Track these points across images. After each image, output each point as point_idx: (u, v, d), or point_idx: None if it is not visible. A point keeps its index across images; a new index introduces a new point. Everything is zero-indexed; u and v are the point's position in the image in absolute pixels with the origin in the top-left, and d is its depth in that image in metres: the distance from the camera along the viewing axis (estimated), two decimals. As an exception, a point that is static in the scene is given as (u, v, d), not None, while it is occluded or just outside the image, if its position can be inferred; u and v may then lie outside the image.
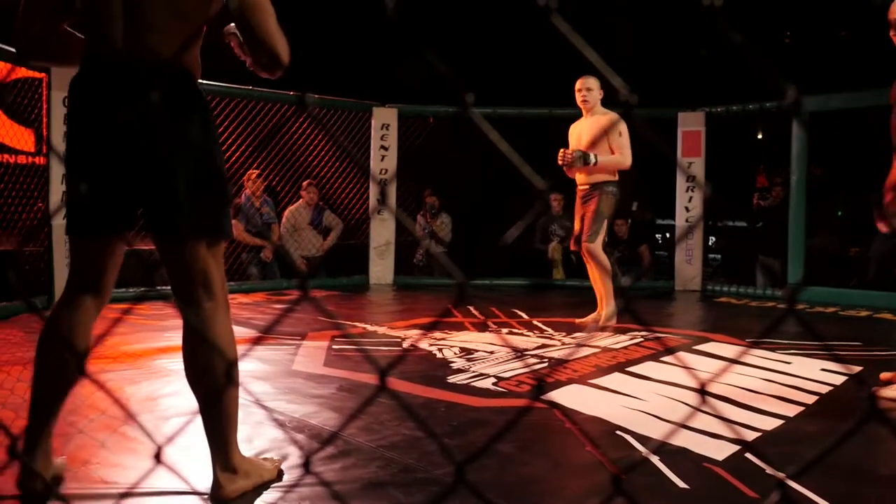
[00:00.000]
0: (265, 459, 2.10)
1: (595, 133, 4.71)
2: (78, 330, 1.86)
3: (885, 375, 3.08)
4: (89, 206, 1.80)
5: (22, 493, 1.82)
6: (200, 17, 1.78)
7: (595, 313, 4.89)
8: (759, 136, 11.78)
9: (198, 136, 1.78)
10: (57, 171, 5.05)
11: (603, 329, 4.53)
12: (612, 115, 4.77)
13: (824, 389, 3.15)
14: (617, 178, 4.74)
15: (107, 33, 1.74)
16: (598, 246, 4.65)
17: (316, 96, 6.49)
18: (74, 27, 1.88)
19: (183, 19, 1.76)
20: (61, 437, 2.33)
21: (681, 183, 6.78)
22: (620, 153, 4.67)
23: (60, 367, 1.85)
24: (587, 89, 4.69)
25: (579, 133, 4.82)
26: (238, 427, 1.94)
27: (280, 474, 2.04)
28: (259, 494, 1.92)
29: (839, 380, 3.29)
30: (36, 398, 1.84)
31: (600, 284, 4.78)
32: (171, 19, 1.75)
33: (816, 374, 3.41)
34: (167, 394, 2.92)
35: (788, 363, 3.62)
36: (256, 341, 4.05)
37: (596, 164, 4.60)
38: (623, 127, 4.66)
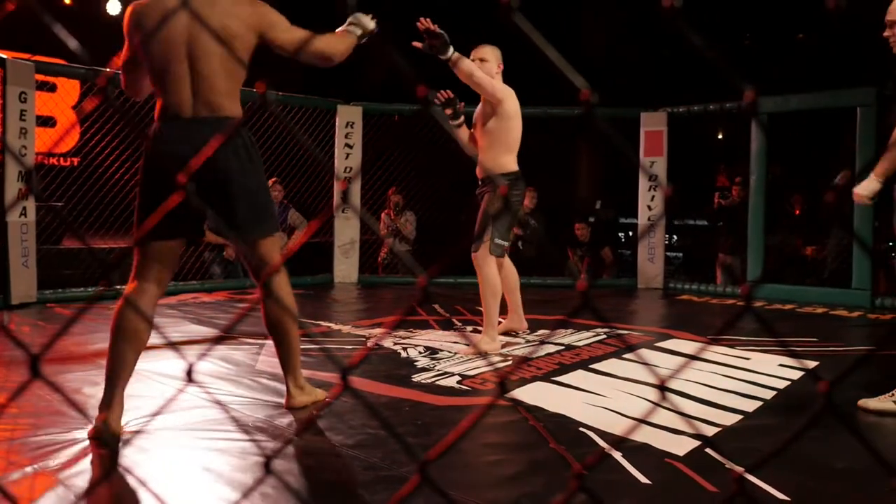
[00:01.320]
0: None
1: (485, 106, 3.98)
2: (147, 309, 2.45)
3: None
4: (172, 220, 2.33)
5: (96, 439, 2.29)
6: (243, 75, 2.53)
7: (506, 323, 4.27)
8: (720, 136, 11.97)
9: (253, 169, 2.50)
10: (12, 169, 4.93)
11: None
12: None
13: (782, 384, 3.21)
14: (512, 168, 3.93)
15: (178, 96, 2.41)
16: (483, 255, 3.87)
17: (279, 93, 6.43)
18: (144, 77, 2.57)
19: (234, 80, 2.48)
20: (20, 443, 2.28)
21: (643, 182, 6.86)
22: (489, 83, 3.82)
23: (135, 336, 2.40)
24: (479, 60, 3.90)
25: (477, 112, 4.06)
26: (299, 360, 2.70)
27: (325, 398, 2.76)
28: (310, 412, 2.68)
29: (796, 375, 3.36)
30: (114, 362, 2.38)
31: (484, 300, 3.90)
32: (225, 81, 2.44)
33: (774, 369, 3.47)
34: (126, 395, 2.86)
35: (747, 359, 3.69)
36: (218, 341, 4.00)
37: (451, 59, 3.64)
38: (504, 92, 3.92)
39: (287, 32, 2.54)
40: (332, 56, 2.61)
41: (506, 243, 3.96)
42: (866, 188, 2.87)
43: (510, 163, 3.94)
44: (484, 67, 3.87)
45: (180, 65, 2.41)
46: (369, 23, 2.71)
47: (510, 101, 3.93)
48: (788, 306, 5.76)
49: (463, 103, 4.19)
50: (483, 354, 3.80)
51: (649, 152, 6.83)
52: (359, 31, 2.68)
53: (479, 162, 4.01)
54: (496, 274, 3.92)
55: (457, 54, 3.64)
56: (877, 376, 3.04)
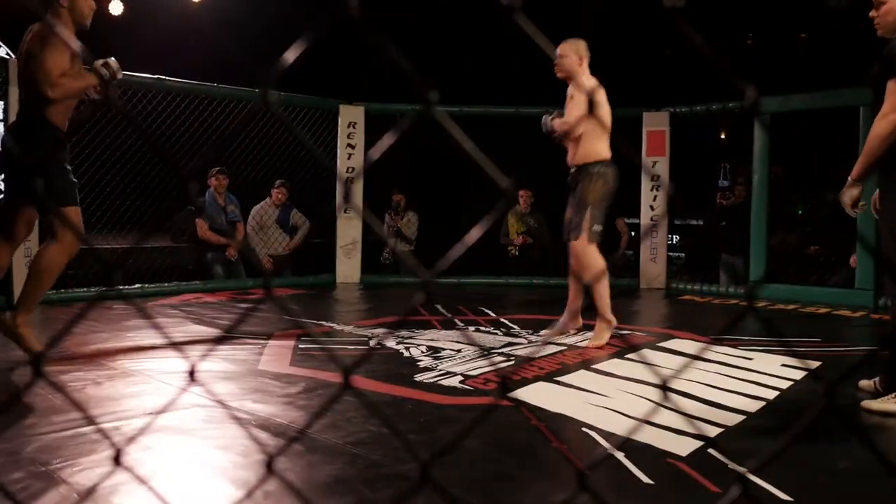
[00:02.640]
0: None
1: (567, 103, 4.17)
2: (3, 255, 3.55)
3: (863, 384, 3.03)
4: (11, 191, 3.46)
5: None
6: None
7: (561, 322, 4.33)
8: (723, 136, 11.96)
9: (50, 157, 3.33)
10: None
11: (562, 333, 4.22)
12: (579, 83, 4.13)
13: (784, 385, 3.21)
14: (605, 156, 4.11)
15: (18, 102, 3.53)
16: (582, 243, 4.00)
17: (281, 94, 6.43)
18: None
19: (37, 89, 3.22)
20: (22, 442, 2.28)
21: (645, 182, 6.85)
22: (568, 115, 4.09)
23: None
24: (560, 56, 4.11)
25: (567, 107, 4.22)
26: (33, 303, 3.43)
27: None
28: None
29: (799, 375, 3.36)
30: None
31: (573, 286, 4.25)
32: (32, 89, 3.25)
33: (777, 369, 3.47)
34: (129, 394, 2.87)
35: (750, 359, 3.68)
36: (221, 341, 4.01)
37: (552, 129, 4.11)
38: (577, 92, 4.09)
39: (40, 67, 3.17)
40: (49, 90, 3.18)
41: (601, 228, 4.08)
42: (845, 195, 2.79)
43: (603, 150, 4.10)
44: (564, 63, 4.08)
45: (19, 81, 3.43)
46: (117, 71, 3.35)
47: (595, 95, 4.07)
48: (791, 306, 5.75)
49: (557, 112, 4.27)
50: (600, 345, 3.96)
51: (652, 152, 6.82)
52: (104, 72, 3.30)
53: (569, 151, 4.16)
54: (599, 259, 4.07)
55: (551, 124, 4.09)
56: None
